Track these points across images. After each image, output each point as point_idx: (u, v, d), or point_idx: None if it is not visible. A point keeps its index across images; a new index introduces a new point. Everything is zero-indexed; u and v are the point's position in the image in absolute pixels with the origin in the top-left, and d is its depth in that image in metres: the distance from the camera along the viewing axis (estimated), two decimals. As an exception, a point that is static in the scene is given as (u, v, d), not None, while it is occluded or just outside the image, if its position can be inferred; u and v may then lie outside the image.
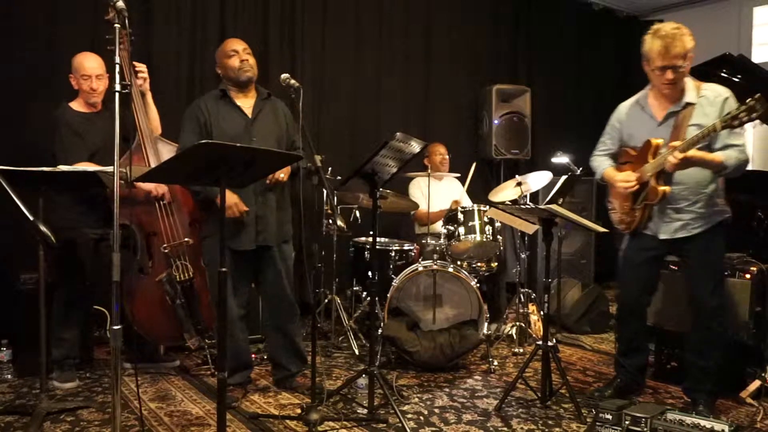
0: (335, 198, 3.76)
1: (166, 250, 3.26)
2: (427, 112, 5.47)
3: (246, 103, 3.00)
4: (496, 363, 3.62)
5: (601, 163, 3.05)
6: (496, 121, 5.47)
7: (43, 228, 1.48)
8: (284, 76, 2.93)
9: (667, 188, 2.70)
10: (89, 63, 3.24)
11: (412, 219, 4.43)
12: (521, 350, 3.89)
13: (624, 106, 3.00)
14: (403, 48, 5.32)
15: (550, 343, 2.96)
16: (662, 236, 2.82)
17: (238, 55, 2.96)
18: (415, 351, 3.47)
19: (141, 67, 3.30)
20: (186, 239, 3.29)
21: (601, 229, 2.97)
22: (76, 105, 3.29)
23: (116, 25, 2.08)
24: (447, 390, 3.22)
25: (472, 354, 3.66)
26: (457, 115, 5.65)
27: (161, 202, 3.27)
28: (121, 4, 2.09)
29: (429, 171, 4.01)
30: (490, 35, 5.85)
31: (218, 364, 2.17)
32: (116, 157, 1.96)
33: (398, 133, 2.67)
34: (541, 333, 3.84)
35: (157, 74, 3.68)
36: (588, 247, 5.55)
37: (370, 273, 3.88)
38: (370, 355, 2.85)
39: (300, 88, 2.77)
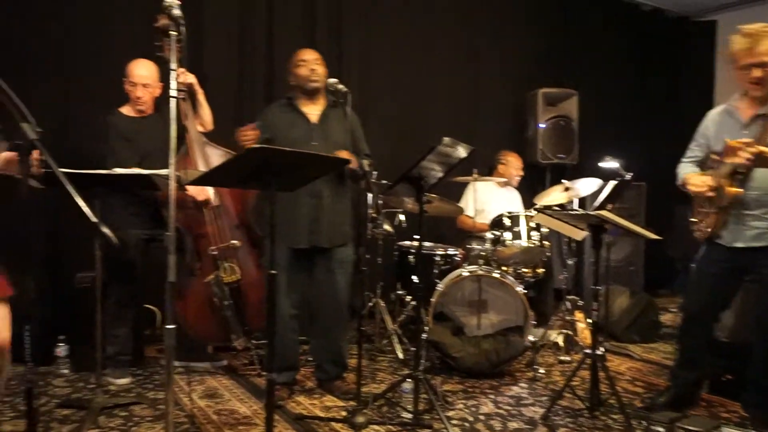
0: (381, 202, 3.77)
1: (214, 252, 3.32)
2: (473, 115, 5.44)
3: (312, 109, 3.06)
4: (542, 371, 3.56)
5: (684, 169, 2.97)
6: (542, 125, 5.40)
7: (104, 229, 1.53)
8: (332, 80, 2.97)
9: (739, 190, 2.61)
10: (138, 71, 3.34)
11: (459, 224, 4.42)
12: (568, 358, 3.82)
13: (713, 113, 2.92)
14: (449, 51, 5.30)
15: (598, 352, 2.90)
16: (736, 245, 2.72)
17: (308, 64, 3.03)
18: (459, 356, 3.45)
19: (180, 70, 3.35)
20: (233, 241, 3.35)
21: (654, 236, 2.89)
22: (126, 110, 3.39)
23: (172, 32, 2.14)
24: (492, 397, 3.19)
25: (517, 361, 3.62)
26: (502, 119, 5.60)
27: (208, 206, 3.33)
28: (177, 11, 2.14)
29: (494, 177, 3.97)
30: (536, 38, 5.78)
31: (267, 365, 2.20)
32: (172, 161, 2.01)
33: (446, 138, 2.67)
34: (589, 341, 3.79)
35: (206, 81, 3.76)
36: (637, 254, 5.42)
37: (414, 277, 3.90)
38: (416, 360, 2.85)
39: (348, 93, 2.79)
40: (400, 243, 4.17)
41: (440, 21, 5.25)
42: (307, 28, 4.64)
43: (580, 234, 3.37)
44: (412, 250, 4.07)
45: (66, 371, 3.37)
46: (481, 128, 5.37)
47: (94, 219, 1.54)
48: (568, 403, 3.04)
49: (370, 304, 4.05)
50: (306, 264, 3.06)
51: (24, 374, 3.23)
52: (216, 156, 3.36)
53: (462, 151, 2.77)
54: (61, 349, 3.43)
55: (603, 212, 2.73)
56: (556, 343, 3.98)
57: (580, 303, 4.17)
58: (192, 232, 3.34)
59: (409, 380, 2.86)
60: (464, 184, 4.42)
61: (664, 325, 4.60)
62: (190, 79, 3.31)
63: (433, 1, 5.24)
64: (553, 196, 3.99)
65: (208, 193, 3.32)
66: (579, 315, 4.13)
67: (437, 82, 5.21)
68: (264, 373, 3.33)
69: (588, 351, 2.90)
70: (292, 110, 3.06)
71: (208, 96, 3.49)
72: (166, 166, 3.22)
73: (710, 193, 2.74)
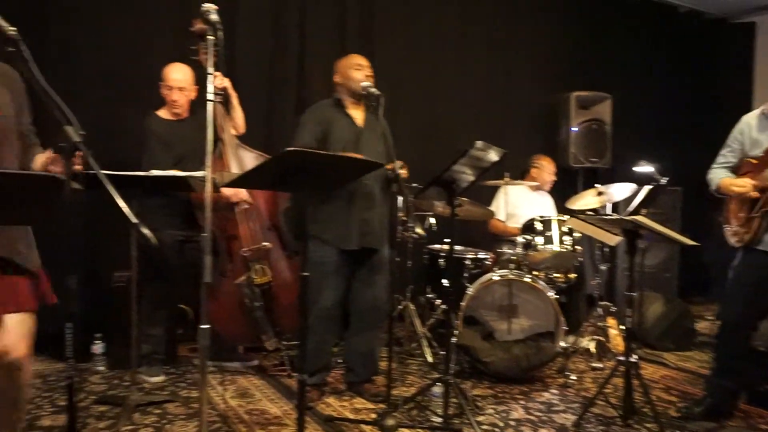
0: (412, 205, 3.77)
1: (246, 254, 3.36)
2: (504, 118, 5.40)
3: (357, 114, 3.10)
4: (573, 377, 3.52)
5: (717, 174, 2.92)
6: (574, 129, 5.34)
7: (144, 230, 1.56)
8: (365, 84, 3.00)
9: None
10: (174, 75, 3.40)
11: (490, 228, 4.39)
12: (600, 365, 3.76)
13: (748, 117, 2.86)
14: (480, 54, 5.28)
15: (632, 359, 2.85)
16: None
17: (364, 69, 3.06)
18: (489, 361, 3.43)
19: (215, 74, 3.40)
20: (265, 243, 3.38)
21: (690, 242, 2.83)
22: (163, 113, 3.46)
23: (209, 37, 2.17)
24: (522, 402, 3.16)
25: (548, 367, 3.58)
26: (533, 122, 5.56)
27: (240, 208, 3.37)
28: (214, 16, 2.17)
29: (526, 181, 3.95)
30: (569, 40, 5.73)
31: (299, 366, 2.21)
32: (208, 164, 2.04)
33: (478, 142, 2.65)
34: (621, 348, 3.72)
35: (237, 84, 3.81)
36: (672, 260, 5.32)
37: (444, 280, 3.89)
38: (446, 364, 2.84)
39: (381, 96, 2.81)
40: (430, 246, 4.16)
41: (471, 23, 5.24)
42: (339, 31, 4.68)
43: (613, 239, 3.32)
44: (443, 254, 4.06)
45: (102, 368, 3.45)
46: (512, 132, 5.33)
47: (134, 220, 1.57)
48: (601, 410, 3.00)
49: (400, 307, 4.05)
50: (349, 265, 3.08)
51: (63, 371, 3.33)
52: (249, 158, 3.40)
53: (494, 155, 2.76)
54: (98, 347, 3.50)
55: (639, 217, 2.68)
56: (588, 350, 3.92)
57: (613, 309, 4.11)
58: (224, 234, 3.39)
59: (440, 384, 2.85)
60: (495, 188, 4.40)
61: (700, 332, 4.50)
62: (225, 82, 3.36)
63: (464, 3, 5.23)
64: (586, 200, 3.94)
65: (243, 194, 3.36)
66: (611, 321, 4.07)
67: (468, 85, 5.20)
68: (294, 374, 3.38)
69: (621, 358, 2.85)
70: (341, 112, 3.09)
71: (239, 99, 3.54)
72: (200, 169, 3.30)
73: (754, 194, 2.68)
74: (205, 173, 2.09)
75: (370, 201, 3.02)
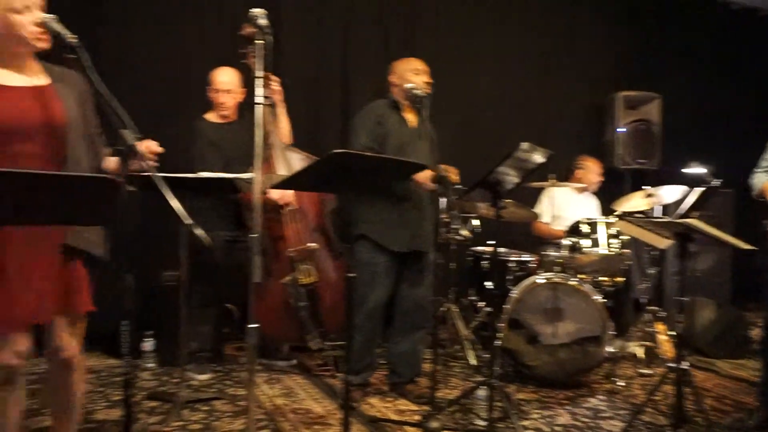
0: (456, 206, 3.76)
1: (292, 254, 3.40)
2: (548, 118, 5.32)
3: (410, 117, 3.12)
4: (621, 383, 3.44)
5: (760, 179, 2.84)
6: (621, 130, 5.23)
7: (198, 231, 1.60)
8: (409, 85, 3.01)
9: None
10: (221, 78, 3.47)
11: (534, 231, 4.34)
12: (649, 371, 3.67)
13: None
14: (525, 53, 5.22)
15: (683, 366, 2.77)
16: None
17: (422, 75, 3.08)
18: (534, 365, 3.38)
19: (274, 79, 3.47)
20: (311, 244, 3.42)
21: (746, 246, 2.73)
22: (211, 116, 3.53)
23: (258, 41, 2.21)
24: (568, 408, 3.11)
25: (594, 372, 3.51)
26: (579, 123, 5.46)
27: (287, 209, 3.42)
28: (263, 21, 2.21)
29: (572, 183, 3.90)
30: (616, 39, 5.61)
31: (345, 366, 2.23)
32: (257, 166, 2.08)
33: (524, 143, 2.63)
34: (671, 354, 3.63)
35: (282, 89, 3.86)
36: (724, 264, 5.15)
37: (487, 283, 3.87)
38: (490, 367, 2.81)
39: (425, 98, 2.81)
40: (474, 248, 4.13)
41: (515, 22, 5.19)
42: (381, 34, 4.69)
43: (664, 242, 3.23)
44: (486, 256, 4.02)
45: (152, 365, 3.54)
46: (557, 132, 5.24)
47: (188, 221, 1.61)
48: (650, 418, 2.93)
49: (443, 309, 4.03)
50: (398, 266, 3.09)
51: (116, 366, 3.43)
52: (297, 160, 3.45)
53: (539, 156, 2.73)
54: (148, 344, 3.60)
55: (692, 220, 2.61)
56: (636, 355, 3.83)
57: (662, 314, 4.00)
58: (271, 234, 3.44)
59: (484, 387, 2.83)
60: (539, 189, 4.34)
61: (754, 340, 4.34)
62: (276, 87, 3.39)
63: (506, 2, 5.18)
64: (635, 202, 3.85)
65: (290, 196, 3.40)
66: (660, 327, 3.96)
67: (512, 86, 5.15)
68: (338, 374, 3.40)
69: (672, 365, 2.78)
70: (396, 113, 3.12)
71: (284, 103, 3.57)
72: (248, 170, 3.36)
73: None
74: (252, 175, 2.13)
75: (420, 204, 3.04)
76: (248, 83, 3.49)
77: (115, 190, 1.55)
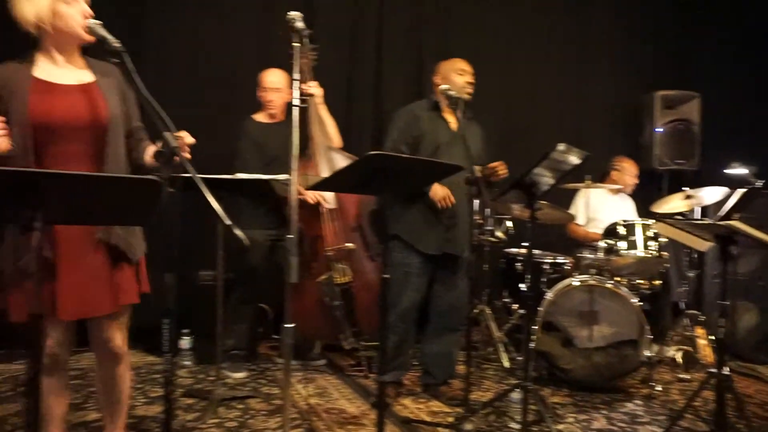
0: (490, 208, 3.74)
1: (330, 254, 3.43)
2: (583, 118, 5.24)
3: (452, 119, 3.11)
4: (659, 388, 3.38)
5: None
6: (659, 130, 5.12)
7: (237, 231, 1.62)
8: (444, 87, 3.01)
9: None
10: (269, 77, 3.54)
11: (570, 233, 4.28)
12: (688, 376, 3.59)
13: None
14: (559, 53, 5.15)
15: (724, 372, 2.70)
16: None
17: (466, 75, 3.09)
18: (569, 368, 3.34)
19: (312, 83, 3.49)
20: (348, 244, 3.44)
21: (791, 249, 2.66)
22: (259, 116, 3.59)
23: (295, 44, 2.24)
24: (604, 412, 3.06)
25: (631, 376, 3.45)
26: (615, 123, 5.36)
27: (324, 209, 3.45)
28: (300, 24, 2.24)
29: (606, 183, 3.85)
30: (653, 37, 5.48)
31: (378, 367, 2.24)
32: (294, 166, 2.10)
33: (560, 144, 2.60)
34: (711, 359, 3.55)
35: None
36: (766, 268, 4.99)
37: (521, 285, 3.83)
38: (525, 370, 2.79)
39: (460, 99, 2.80)
40: (507, 250, 4.10)
41: (549, 22, 5.12)
42: (414, 35, 4.68)
43: (704, 245, 3.16)
44: (520, 258, 3.99)
45: (189, 363, 3.60)
46: (592, 132, 5.16)
47: (228, 221, 1.64)
48: (689, 424, 2.87)
49: (476, 311, 4.01)
50: (432, 267, 3.09)
51: (155, 363, 3.50)
52: (342, 161, 3.47)
53: (576, 158, 2.70)
54: (185, 342, 3.66)
55: (734, 222, 2.55)
56: (674, 360, 3.75)
57: (702, 318, 3.91)
58: (309, 233, 3.47)
59: (518, 390, 2.80)
60: (573, 191, 4.28)
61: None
62: (314, 91, 3.41)
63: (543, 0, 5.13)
64: (673, 204, 3.77)
65: (322, 196, 3.43)
66: (700, 331, 3.86)
67: (546, 85, 5.08)
68: (371, 375, 3.41)
69: (713, 370, 2.71)
70: (436, 114, 3.12)
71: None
72: (289, 171, 3.40)
73: None
74: (289, 176, 2.15)
75: (454, 207, 3.02)
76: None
77: (157, 191, 1.59)
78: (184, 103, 3.81)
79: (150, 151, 2.01)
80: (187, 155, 1.82)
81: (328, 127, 3.49)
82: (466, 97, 3.05)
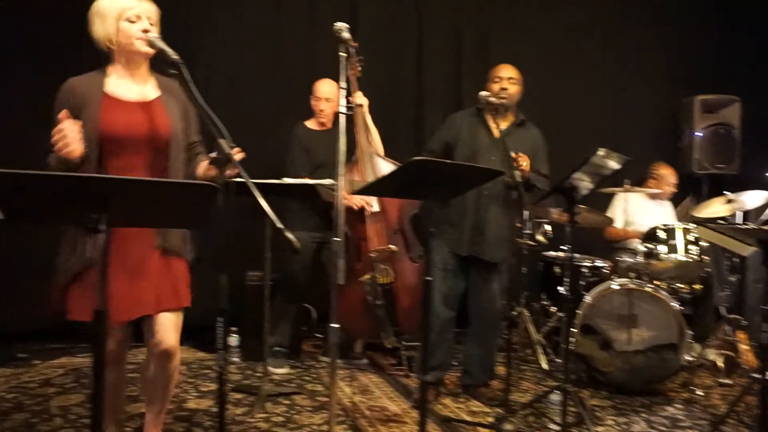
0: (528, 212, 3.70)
1: (373, 255, 3.45)
2: (621, 122, 5.12)
3: (495, 124, 3.08)
4: (699, 392, 3.28)
5: None
6: (698, 134, 4.98)
7: (289, 234, 1.65)
8: (483, 93, 3.00)
9: None
10: (322, 87, 3.61)
11: (607, 235, 4.20)
12: (729, 381, 3.48)
13: None
14: (596, 56, 5.05)
15: (768, 377, 2.61)
16: None
17: (501, 82, 3.08)
18: (608, 371, 3.28)
19: (358, 93, 3.50)
20: (391, 246, 3.46)
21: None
22: (310, 123, 3.67)
23: (341, 54, 2.26)
24: (644, 416, 2.99)
25: (670, 380, 3.36)
26: (652, 126, 5.23)
27: (368, 212, 3.47)
28: (346, 34, 2.26)
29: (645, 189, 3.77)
30: (692, 40, 5.33)
31: (420, 367, 2.24)
32: (341, 172, 2.12)
33: (600, 149, 2.56)
34: (753, 364, 3.43)
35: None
36: (810, 272, 4.81)
37: (559, 288, 3.77)
38: (565, 372, 2.74)
39: (502, 107, 2.79)
40: (545, 253, 4.05)
41: (587, 26, 5.03)
42: (454, 41, 4.67)
43: (746, 249, 3.06)
44: (558, 261, 3.93)
45: (237, 359, 3.66)
46: (631, 136, 5.02)
47: (279, 225, 1.66)
48: (732, 429, 2.78)
49: (514, 313, 3.97)
50: (464, 267, 3.07)
51: (206, 359, 3.57)
52: (385, 167, 3.52)
53: (615, 163, 2.66)
54: (233, 339, 3.73)
55: (778, 227, 2.46)
56: (715, 365, 3.64)
57: (743, 323, 3.78)
58: (354, 235, 3.51)
59: (558, 391, 2.76)
60: (610, 195, 4.20)
61: None
62: (360, 100, 3.45)
63: (579, 5, 5.04)
64: (714, 208, 3.66)
65: (365, 201, 3.45)
66: (741, 336, 3.74)
67: (584, 89, 4.99)
68: (411, 374, 3.41)
69: (756, 375, 2.62)
70: (479, 121, 3.11)
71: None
72: (335, 176, 3.44)
73: None
74: (334, 181, 2.18)
75: (483, 209, 3.00)
76: (348, 94, 3.60)
77: (213, 195, 1.62)
78: (232, 110, 3.90)
79: (203, 164, 2.05)
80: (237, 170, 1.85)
81: (372, 135, 3.53)
82: (497, 101, 3.01)
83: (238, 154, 1.83)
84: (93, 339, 1.51)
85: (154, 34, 1.93)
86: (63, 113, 1.76)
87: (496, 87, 3.07)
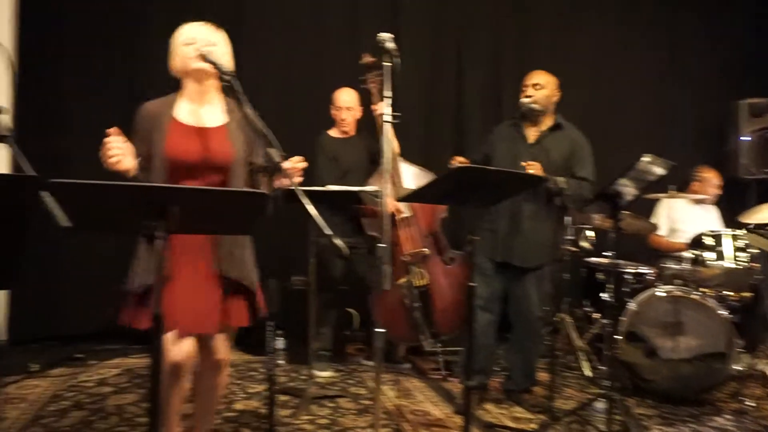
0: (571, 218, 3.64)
1: (406, 258, 3.45)
2: (666, 126, 5.00)
3: (532, 130, 3.06)
4: (750, 403, 3.15)
5: None
6: (745, 138, 4.81)
7: (337, 241, 1.66)
8: (525, 100, 2.97)
9: None
10: (342, 96, 3.63)
11: (651, 244, 4.08)
12: (782, 392, 3.34)
13: None
14: (640, 61, 4.94)
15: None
16: None
17: (527, 89, 3.06)
18: (653, 379, 3.19)
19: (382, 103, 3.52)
20: (423, 249, 3.46)
21: None
22: (333, 132, 3.69)
23: (386, 63, 2.27)
24: (692, 425, 2.89)
25: (718, 389, 3.25)
26: (697, 130, 5.08)
27: (399, 217, 3.48)
28: (391, 44, 2.27)
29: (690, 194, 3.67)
30: (738, 44, 5.16)
31: (464, 372, 2.22)
32: (387, 179, 2.13)
33: (646, 155, 2.51)
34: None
35: (397, 109, 3.92)
36: None
37: (602, 294, 3.69)
38: (611, 379, 2.68)
39: (531, 113, 2.76)
40: (588, 259, 3.97)
41: (634, 30, 4.93)
42: (493, 46, 4.64)
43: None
44: (601, 267, 3.85)
45: (282, 362, 3.70)
46: (675, 141, 4.90)
47: (328, 231, 1.68)
48: (785, 441, 2.66)
49: (556, 319, 3.90)
50: (503, 273, 3.04)
51: (253, 362, 3.62)
52: (408, 172, 3.53)
53: (661, 169, 2.59)
54: (279, 343, 3.77)
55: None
56: (765, 375, 3.50)
57: (795, 332, 3.63)
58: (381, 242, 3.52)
59: (602, 399, 2.70)
60: (653, 200, 4.08)
61: None
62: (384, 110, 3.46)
63: (623, 8, 4.94)
64: (764, 214, 3.52)
65: (396, 206, 3.46)
66: (793, 345, 3.59)
67: (630, 93, 4.88)
68: (451, 378, 3.39)
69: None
70: (515, 129, 3.10)
71: (399, 125, 3.62)
72: (363, 182, 3.47)
73: None
74: (378, 188, 2.19)
75: (517, 215, 2.96)
76: (365, 103, 3.63)
77: (263, 203, 1.65)
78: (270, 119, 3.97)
79: (264, 180, 2.08)
80: (299, 177, 1.87)
81: (394, 142, 3.54)
82: (524, 108, 3.02)
83: (300, 163, 1.85)
84: (151, 344, 1.54)
85: (209, 48, 1.97)
86: (112, 129, 1.81)
87: (523, 95, 3.05)
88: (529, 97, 3.02)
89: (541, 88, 3.04)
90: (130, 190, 1.57)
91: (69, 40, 3.95)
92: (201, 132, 2.01)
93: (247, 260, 2.05)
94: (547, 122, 3.07)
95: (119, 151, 1.79)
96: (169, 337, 1.86)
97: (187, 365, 1.99)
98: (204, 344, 2.07)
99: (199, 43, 1.97)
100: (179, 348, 1.92)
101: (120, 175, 1.82)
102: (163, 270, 1.56)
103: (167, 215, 1.54)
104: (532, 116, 3.03)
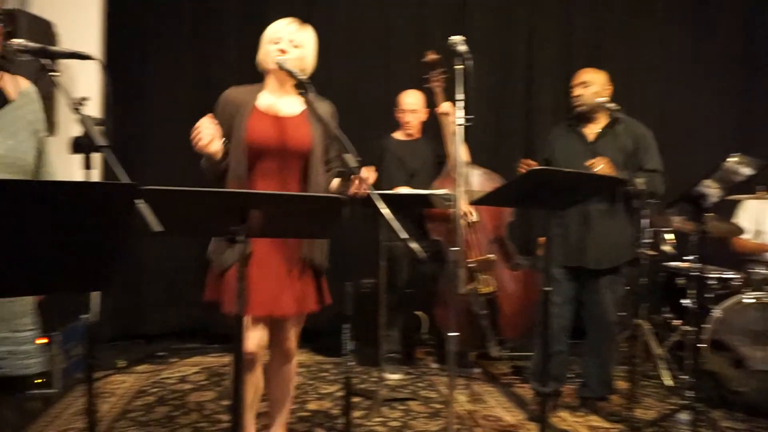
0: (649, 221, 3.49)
1: (472, 265, 3.40)
2: (746, 125, 4.71)
3: (591, 129, 2.97)
4: None
5: None
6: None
7: (413, 245, 1.65)
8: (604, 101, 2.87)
9: None
10: (407, 99, 3.62)
11: (736, 247, 3.85)
12: None
13: None
14: (719, 54, 4.67)
15: None
16: None
17: (574, 89, 2.99)
18: (742, 391, 2.99)
19: (446, 104, 3.48)
20: (489, 255, 3.40)
21: None
22: (398, 134, 3.68)
23: (457, 66, 2.24)
24: (786, 441, 2.70)
25: (816, 404, 3.02)
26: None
27: (466, 221, 3.43)
28: (463, 47, 2.24)
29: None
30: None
31: (539, 378, 2.16)
32: (459, 183, 2.10)
33: (735, 155, 2.37)
34: None
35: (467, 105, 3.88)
36: None
37: (683, 300, 3.51)
38: (695, 390, 2.54)
39: (583, 113, 2.67)
40: (668, 263, 3.78)
41: (709, 22, 4.68)
42: (566, 51, 4.52)
43: None
44: (681, 272, 3.66)
45: (352, 364, 3.72)
46: (757, 140, 4.61)
47: (404, 235, 1.67)
48: None
49: (634, 325, 3.74)
50: (576, 279, 2.95)
51: (326, 363, 3.66)
52: (475, 175, 3.48)
53: (749, 169, 2.44)
54: (349, 345, 3.79)
55: None
56: None
57: None
58: (453, 245, 3.47)
59: (687, 411, 2.56)
60: (734, 202, 3.83)
61: None
62: (448, 111, 3.41)
63: (695, 11, 4.70)
64: None
65: (468, 210, 3.42)
66: None
67: (707, 90, 4.63)
68: (520, 383, 3.32)
69: None
70: (572, 130, 3.02)
71: (466, 127, 3.59)
72: (429, 184, 3.45)
73: None
74: (449, 191, 2.17)
75: (588, 217, 2.86)
76: (430, 104, 3.60)
77: (339, 207, 1.66)
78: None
79: (336, 180, 2.12)
80: (367, 189, 1.89)
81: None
82: (576, 109, 2.95)
83: (371, 174, 1.87)
84: (233, 340, 1.58)
85: (288, 56, 2.01)
86: (208, 115, 1.89)
87: (572, 94, 2.98)
88: (578, 96, 2.94)
89: (587, 86, 2.93)
90: (215, 195, 1.62)
91: (151, 46, 4.15)
92: (280, 120, 2.08)
93: (325, 247, 2.11)
94: (603, 120, 2.96)
95: (209, 134, 1.87)
96: (245, 323, 1.92)
97: (259, 354, 2.04)
98: (276, 330, 2.11)
99: (283, 44, 2.02)
100: (252, 337, 1.98)
101: (204, 178, 1.89)
102: (243, 273, 1.60)
103: (249, 219, 1.58)
104: (585, 116, 2.94)
